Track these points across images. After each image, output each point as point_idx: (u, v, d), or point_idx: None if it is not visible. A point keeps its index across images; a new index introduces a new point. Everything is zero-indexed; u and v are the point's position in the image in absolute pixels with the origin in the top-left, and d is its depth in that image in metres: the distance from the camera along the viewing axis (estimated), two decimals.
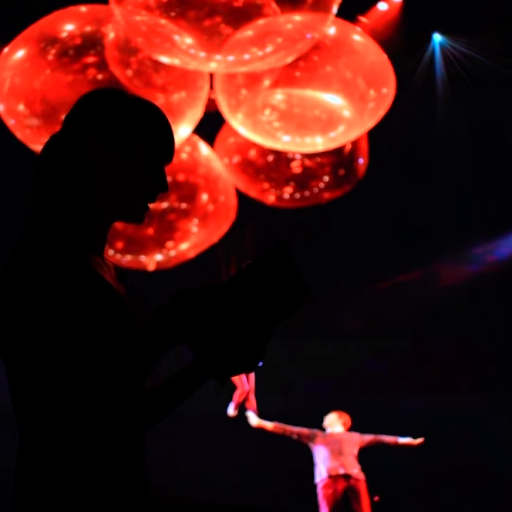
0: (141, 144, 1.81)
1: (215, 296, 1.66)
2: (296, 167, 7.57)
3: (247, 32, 6.16)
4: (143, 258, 7.28)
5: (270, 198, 7.76)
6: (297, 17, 6.24)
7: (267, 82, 6.91)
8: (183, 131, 6.65)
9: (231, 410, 8.55)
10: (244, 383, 8.51)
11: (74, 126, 1.82)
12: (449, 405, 10.99)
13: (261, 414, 8.45)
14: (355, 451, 8.10)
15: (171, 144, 1.87)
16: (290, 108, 7.01)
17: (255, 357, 1.73)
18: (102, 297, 1.72)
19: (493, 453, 10.84)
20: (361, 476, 8.00)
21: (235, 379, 8.36)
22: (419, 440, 8.34)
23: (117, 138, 1.80)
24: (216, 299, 1.66)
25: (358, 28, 7.34)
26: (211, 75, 6.89)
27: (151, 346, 1.64)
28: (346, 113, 6.91)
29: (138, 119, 1.82)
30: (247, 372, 1.77)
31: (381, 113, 6.99)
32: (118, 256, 7.13)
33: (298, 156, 7.54)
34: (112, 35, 6.40)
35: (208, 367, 1.76)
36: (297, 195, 7.66)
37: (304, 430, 8.24)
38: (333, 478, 7.95)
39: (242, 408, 8.52)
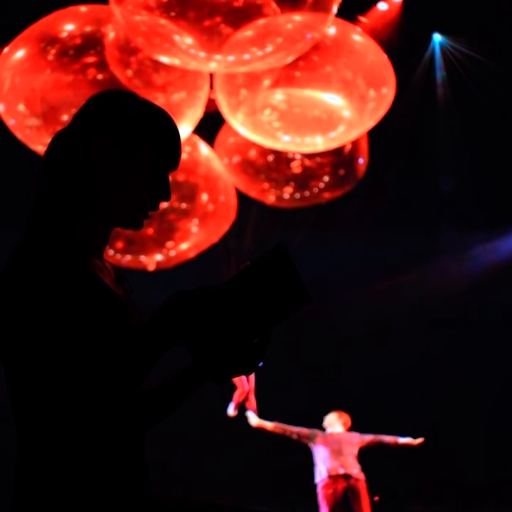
0: (147, 149, 1.80)
1: (214, 297, 1.65)
2: (296, 167, 7.57)
3: (247, 32, 6.16)
4: (143, 258, 7.28)
5: (270, 198, 7.77)
6: (297, 17, 6.24)
7: (267, 82, 6.91)
8: (183, 131, 6.65)
9: (231, 410, 8.55)
10: (244, 383, 8.51)
11: (81, 126, 1.81)
12: None
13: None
14: (355, 451, 8.10)
15: (178, 151, 1.85)
16: (290, 108, 7.01)
17: (254, 359, 1.73)
18: (100, 299, 1.71)
19: None
20: (361, 476, 8.00)
21: (235, 379, 8.36)
22: (419, 440, 8.34)
23: (124, 141, 1.78)
24: (215, 300, 1.65)
25: (358, 28, 7.34)
26: (211, 75, 6.89)
27: (148, 347, 1.63)
28: (346, 113, 6.91)
29: (146, 124, 1.81)
30: (246, 374, 1.76)
31: (381, 113, 7.00)
32: (118, 256, 7.13)
33: (298, 156, 7.54)
34: (111, 35, 6.40)
35: (206, 369, 1.75)
36: (297, 195, 7.66)
37: (304, 430, 8.24)
38: (333, 478, 7.95)
39: (242, 408, 8.52)
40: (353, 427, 8.34)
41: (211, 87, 6.96)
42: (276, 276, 1.66)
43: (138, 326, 1.78)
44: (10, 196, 7.98)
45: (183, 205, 7.22)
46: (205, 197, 7.28)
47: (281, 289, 1.67)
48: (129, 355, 1.64)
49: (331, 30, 6.72)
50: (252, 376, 8.53)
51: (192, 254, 7.56)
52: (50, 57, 6.29)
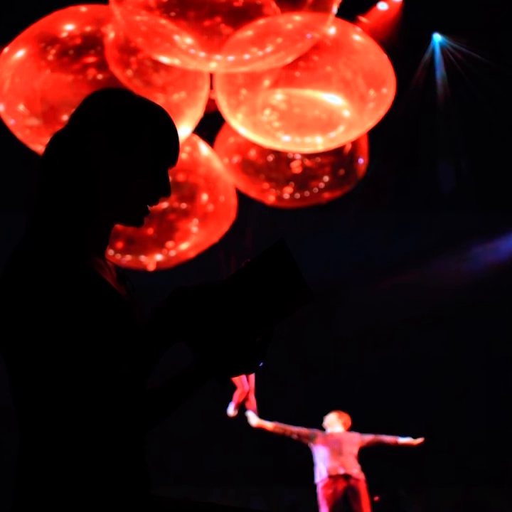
0: (145, 146, 1.80)
1: (215, 294, 1.65)
2: (296, 167, 7.57)
3: (247, 32, 6.16)
4: (143, 258, 7.28)
5: (270, 198, 7.76)
6: (297, 17, 6.24)
7: (267, 82, 6.91)
8: (183, 131, 6.64)
9: (231, 410, 8.55)
10: (245, 383, 8.51)
11: (79, 125, 1.81)
12: None
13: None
14: (355, 451, 8.10)
15: (176, 147, 1.86)
16: (290, 108, 7.01)
17: (256, 357, 1.73)
18: (102, 298, 1.71)
19: None
20: (361, 476, 8.00)
21: (235, 379, 8.36)
22: (419, 440, 8.34)
23: (122, 138, 1.78)
24: (216, 297, 1.65)
25: (358, 28, 7.33)
26: (211, 75, 6.89)
27: (150, 344, 1.63)
28: (346, 113, 6.91)
29: (144, 121, 1.81)
30: (247, 373, 1.76)
31: (381, 113, 6.99)
32: (118, 256, 7.13)
33: (298, 156, 7.54)
34: (111, 35, 6.40)
35: (208, 366, 1.75)
36: (297, 195, 7.66)
37: (304, 430, 8.24)
38: (333, 478, 7.95)
39: (242, 408, 8.52)
40: (353, 427, 8.34)
41: (211, 87, 6.95)
42: (276, 273, 1.66)
43: (140, 324, 1.78)
44: (10, 196, 7.98)
45: (183, 205, 7.22)
46: (205, 197, 7.28)
47: (282, 285, 1.66)
48: (130, 352, 1.64)
49: (331, 30, 6.72)
50: (252, 376, 8.53)
51: (192, 254, 7.56)
52: (50, 57, 6.29)
